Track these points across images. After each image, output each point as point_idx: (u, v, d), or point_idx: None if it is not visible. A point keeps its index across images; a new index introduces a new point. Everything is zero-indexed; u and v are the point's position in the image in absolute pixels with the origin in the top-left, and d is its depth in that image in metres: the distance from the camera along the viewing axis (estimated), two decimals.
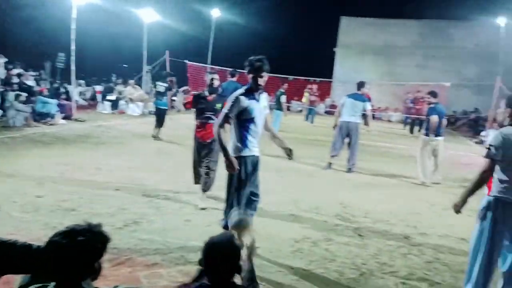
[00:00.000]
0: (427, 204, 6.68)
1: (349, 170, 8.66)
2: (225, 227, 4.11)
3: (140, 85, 18.10)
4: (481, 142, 15.26)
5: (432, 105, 8.23)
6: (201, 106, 5.74)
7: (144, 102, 16.97)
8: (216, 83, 5.77)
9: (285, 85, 14.89)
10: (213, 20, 22.05)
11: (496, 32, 20.24)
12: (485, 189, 3.56)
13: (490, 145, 3.38)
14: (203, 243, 2.23)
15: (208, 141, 5.66)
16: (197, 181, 5.88)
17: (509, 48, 20.72)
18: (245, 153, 4.02)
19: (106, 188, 6.09)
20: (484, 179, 3.45)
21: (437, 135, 8.09)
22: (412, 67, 25.50)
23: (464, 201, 3.55)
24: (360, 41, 26.43)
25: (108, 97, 16.81)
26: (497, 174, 3.35)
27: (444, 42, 25.07)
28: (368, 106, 8.77)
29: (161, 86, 11.54)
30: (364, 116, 8.93)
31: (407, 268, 4.22)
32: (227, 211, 4.11)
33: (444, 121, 8.32)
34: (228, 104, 4.01)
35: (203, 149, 5.73)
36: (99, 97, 17.32)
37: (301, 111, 22.55)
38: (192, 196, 6.02)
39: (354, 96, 8.71)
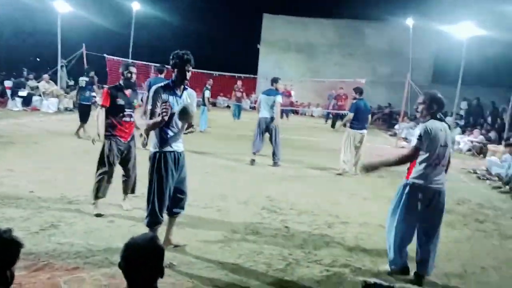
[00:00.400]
0: (347, 195, 7.01)
1: (275, 164, 8.84)
2: (149, 225, 4.00)
3: (55, 80, 16.99)
4: (394, 135, 16.42)
5: (354, 101, 8.77)
6: (120, 103, 5.09)
7: (59, 98, 15.97)
8: (134, 76, 5.27)
9: (210, 81, 14.80)
10: (133, 13, 21.26)
11: (406, 32, 21.73)
12: (403, 175, 4.11)
13: (420, 135, 3.84)
14: (124, 245, 2.07)
15: (128, 139, 5.32)
16: (101, 191, 5.11)
17: (417, 48, 22.35)
18: (166, 149, 3.93)
19: (19, 191, 5.65)
20: (405, 162, 3.99)
21: (361, 128, 8.55)
22: (331, 64, 26.60)
23: (376, 167, 4.15)
24: (282, 38, 27.02)
25: (20, 93, 15.59)
26: (418, 162, 3.90)
27: (360, 41, 26.45)
28: (278, 99, 8.70)
29: (83, 81, 10.99)
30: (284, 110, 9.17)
31: (331, 256, 4.41)
32: (148, 209, 4.00)
33: (369, 116, 8.91)
34: (150, 100, 3.87)
35: (124, 149, 5.28)
36: (9, 93, 15.98)
37: (228, 107, 22.58)
38: (115, 197, 5.78)
39: (267, 92, 8.90)
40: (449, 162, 4.07)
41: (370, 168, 4.13)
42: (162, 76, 9.58)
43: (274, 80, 8.95)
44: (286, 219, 5.47)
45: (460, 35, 15.86)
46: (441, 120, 3.96)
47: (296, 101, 25.50)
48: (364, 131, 8.64)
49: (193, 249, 4.27)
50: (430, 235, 3.96)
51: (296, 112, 24.47)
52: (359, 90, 8.95)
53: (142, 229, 4.61)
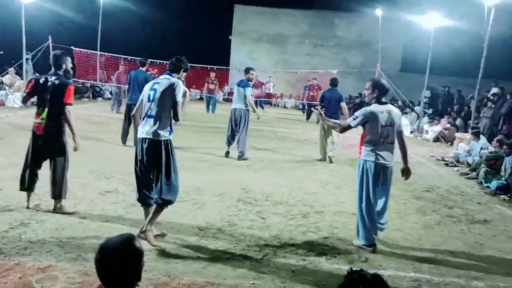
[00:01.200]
0: (321, 184, 7.10)
1: (239, 158, 8.56)
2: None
3: (20, 73, 16.42)
4: None
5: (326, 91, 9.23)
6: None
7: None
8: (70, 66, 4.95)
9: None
10: (100, 4, 20.71)
11: (375, 23, 22.03)
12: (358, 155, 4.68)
13: (356, 116, 4.50)
14: (98, 245, 1.93)
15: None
16: (29, 187, 4.86)
17: (387, 38, 22.71)
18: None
19: None
20: (337, 130, 5.05)
21: (328, 116, 8.62)
22: (302, 55, 26.71)
23: (324, 122, 5.33)
24: (254, 29, 26.93)
25: None
26: (365, 142, 4.51)
27: (331, 32, 26.64)
28: (247, 91, 8.54)
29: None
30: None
31: (307, 245, 4.46)
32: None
33: (343, 104, 9.12)
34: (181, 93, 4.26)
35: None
36: None
37: (201, 99, 22.40)
38: (87, 191, 5.68)
39: (239, 83, 8.77)
40: (402, 140, 4.66)
41: (321, 120, 5.30)
42: (144, 69, 9.42)
43: (246, 71, 8.90)
44: (262, 210, 5.50)
45: (428, 25, 16.22)
46: (384, 103, 4.54)
47: (275, 94, 25.49)
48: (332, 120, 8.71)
49: (169, 243, 4.24)
50: (383, 201, 4.58)
51: (269, 104, 24.52)
52: (331, 81, 9.30)
53: (115, 225, 4.58)
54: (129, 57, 18.65)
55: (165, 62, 19.93)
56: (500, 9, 11.85)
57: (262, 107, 20.22)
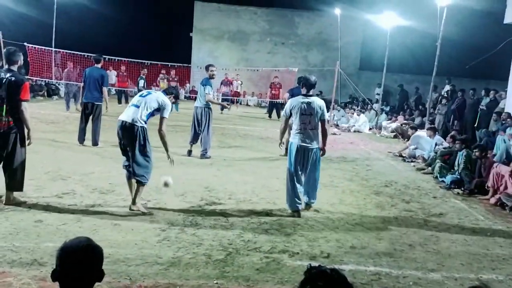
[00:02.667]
0: (284, 181, 7.12)
1: (202, 156, 8.49)
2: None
3: None
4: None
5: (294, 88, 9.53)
6: None
7: None
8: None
9: (145, 71, 14.39)
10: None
11: (334, 21, 22.41)
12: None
13: (286, 110, 5.57)
14: (57, 250, 1.90)
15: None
16: None
17: (345, 36, 23.18)
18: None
19: None
20: (282, 128, 5.81)
21: None
22: (264, 53, 26.80)
23: (281, 140, 5.99)
24: (214, 26, 26.74)
25: None
26: (293, 127, 5.52)
27: (291, 30, 26.86)
28: (208, 89, 8.42)
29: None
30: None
31: (270, 243, 4.48)
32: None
33: None
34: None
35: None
36: None
37: None
38: (42, 193, 5.47)
39: (202, 81, 8.61)
40: (324, 128, 5.63)
41: (280, 143, 6.04)
42: (99, 66, 9.11)
43: (206, 68, 8.75)
44: (225, 208, 5.48)
45: (384, 24, 16.68)
46: (307, 95, 5.50)
47: (244, 91, 25.31)
48: None
49: (129, 244, 4.15)
50: (309, 178, 5.53)
51: (232, 102, 24.43)
52: (298, 79, 9.38)
53: (72, 228, 4.43)
54: (86, 54, 18.10)
55: (124, 59, 19.58)
56: (452, 10, 12.35)
57: (229, 107, 19.76)
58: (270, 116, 18.29)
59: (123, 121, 5.04)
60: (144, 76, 13.56)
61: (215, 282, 3.57)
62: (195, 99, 25.91)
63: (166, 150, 5.30)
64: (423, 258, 4.40)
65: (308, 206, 5.66)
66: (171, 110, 5.36)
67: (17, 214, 4.71)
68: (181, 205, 5.50)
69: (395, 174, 8.63)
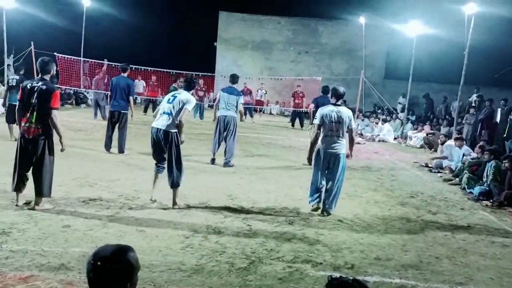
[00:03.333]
0: (306, 191, 7.08)
1: (225, 165, 8.48)
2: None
3: (1, 80, 16.14)
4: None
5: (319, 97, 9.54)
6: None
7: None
8: None
9: (178, 80, 14.72)
10: (84, 10, 20.52)
11: (359, 30, 22.30)
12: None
13: (315, 118, 5.97)
14: (89, 256, 1.87)
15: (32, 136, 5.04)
16: (18, 187, 5.12)
17: (370, 45, 23.01)
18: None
19: None
20: (315, 138, 6.16)
21: None
22: (287, 62, 26.85)
23: (310, 155, 6.46)
24: (238, 36, 26.99)
25: None
26: (321, 134, 5.87)
27: (315, 39, 26.86)
28: (241, 99, 8.65)
29: (13, 79, 9.90)
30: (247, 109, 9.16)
31: (293, 252, 4.45)
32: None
33: None
34: None
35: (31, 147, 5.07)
36: None
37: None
38: (70, 199, 5.59)
39: (228, 90, 8.63)
40: (351, 136, 6.01)
41: (310, 158, 6.54)
42: (125, 75, 9.24)
43: (235, 78, 8.81)
44: (248, 217, 5.48)
45: (410, 33, 16.49)
46: (336, 104, 5.89)
47: (268, 100, 25.35)
48: None
49: (154, 251, 4.20)
50: (332, 182, 5.79)
51: (255, 110, 24.52)
52: (322, 89, 9.57)
53: (98, 234, 4.51)
54: (113, 64, 18.52)
55: (151, 68, 19.93)
56: (479, 17, 12.13)
57: (252, 116, 19.81)
58: (293, 125, 18.23)
59: (158, 129, 5.56)
60: (177, 86, 13.85)
61: None
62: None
63: (181, 133, 5.62)
64: (451, 271, 4.29)
65: (325, 212, 5.83)
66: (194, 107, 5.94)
67: (45, 219, 4.83)
68: (204, 213, 5.54)
69: (421, 184, 8.47)
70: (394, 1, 23.24)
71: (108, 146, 9.01)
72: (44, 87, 4.96)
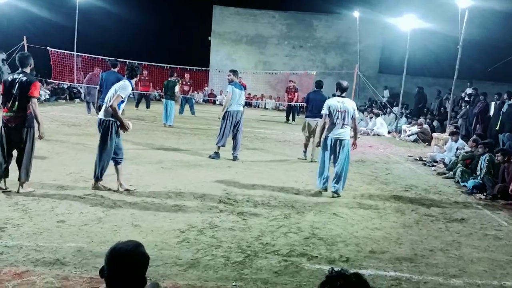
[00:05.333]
0: (302, 185, 7.13)
1: (235, 158, 8.68)
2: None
3: None
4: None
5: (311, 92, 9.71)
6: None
7: None
8: None
9: (175, 75, 14.67)
10: (76, 3, 20.33)
11: (353, 24, 22.30)
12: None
13: (323, 108, 6.65)
14: (108, 250, 2.03)
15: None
16: (4, 173, 5.44)
17: (364, 39, 23.03)
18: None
19: None
20: (323, 126, 6.72)
21: (314, 116, 8.96)
22: (282, 56, 26.83)
23: (320, 138, 6.80)
24: (232, 30, 26.91)
25: None
26: (330, 123, 6.53)
27: (309, 33, 26.83)
28: (244, 94, 9.12)
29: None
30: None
31: (288, 246, 4.47)
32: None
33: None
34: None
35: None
36: None
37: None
38: (65, 194, 5.57)
39: (238, 86, 8.79)
40: (355, 124, 6.74)
41: (320, 142, 6.75)
42: (116, 70, 9.34)
43: (234, 73, 8.88)
44: (243, 211, 5.49)
45: (404, 27, 16.51)
46: (341, 96, 6.63)
47: (262, 95, 25.49)
48: (317, 119, 8.68)
49: (149, 245, 4.18)
50: (340, 166, 6.48)
51: (249, 105, 24.51)
52: (316, 83, 9.65)
53: (94, 229, 4.50)
54: (106, 58, 18.39)
55: (143, 63, 19.82)
56: (473, 11, 12.16)
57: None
58: (287, 120, 18.24)
59: (98, 119, 5.90)
60: (171, 80, 13.82)
61: (233, 284, 3.58)
62: (213, 102, 26.17)
63: (118, 119, 5.75)
64: (445, 264, 4.33)
65: (334, 194, 6.48)
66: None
67: (40, 214, 4.81)
68: (200, 207, 5.54)
69: (415, 178, 8.52)
70: None
71: None
72: (24, 78, 5.32)
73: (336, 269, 1.77)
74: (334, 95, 7.00)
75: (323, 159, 6.62)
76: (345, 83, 6.70)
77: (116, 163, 5.91)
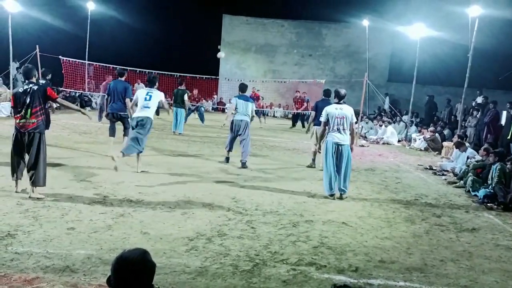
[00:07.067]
0: (311, 193, 7.11)
1: (243, 165, 8.85)
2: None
3: (7, 83, 16.23)
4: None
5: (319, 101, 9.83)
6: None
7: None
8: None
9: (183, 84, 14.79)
10: (88, 13, 20.62)
11: (362, 33, 22.28)
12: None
13: (321, 116, 7.04)
14: (114, 259, 2.05)
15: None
16: (16, 176, 5.77)
17: (374, 48, 22.99)
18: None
19: None
20: (322, 131, 7.12)
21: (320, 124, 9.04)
22: (291, 65, 26.90)
23: (319, 143, 7.73)
24: (242, 39, 27.07)
25: None
26: (329, 129, 6.90)
27: (318, 42, 26.90)
28: (254, 106, 9.41)
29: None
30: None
31: (297, 255, 4.45)
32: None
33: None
34: None
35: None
36: None
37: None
38: (74, 202, 5.62)
39: (243, 98, 9.18)
40: (352, 129, 6.99)
41: (319, 147, 7.56)
42: (123, 79, 9.49)
43: (245, 87, 9.44)
44: (252, 219, 5.48)
45: (413, 35, 16.46)
46: (339, 103, 6.97)
47: (271, 103, 25.58)
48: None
49: (158, 253, 4.20)
50: (343, 169, 6.77)
51: (260, 113, 24.53)
52: (324, 92, 9.85)
53: (103, 236, 4.52)
54: (117, 67, 18.55)
55: (154, 71, 20.00)
56: (483, 20, 12.10)
57: (260, 118, 19.73)
58: (293, 126, 18.36)
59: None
60: (180, 88, 13.96)
61: None
62: (223, 110, 26.18)
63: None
64: (455, 275, 4.27)
65: (342, 194, 6.82)
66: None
67: (50, 221, 4.85)
68: (208, 215, 5.54)
69: (426, 187, 8.44)
70: (397, 4, 23.24)
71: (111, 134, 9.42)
72: (36, 87, 5.67)
73: (338, 284, 1.77)
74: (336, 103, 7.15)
75: (327, 165, 6.84)
76: (342, 91, 7.07)
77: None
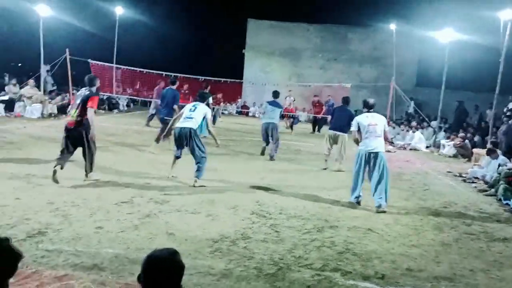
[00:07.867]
0: (336, 198, 7.03)
1: (271, 158, 10.21)
2: None
3: (38, 85, 16.72)
4: None
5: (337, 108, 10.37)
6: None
7: (43, 104, 15.71)
8: None
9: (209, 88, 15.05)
10: (116, 17, 21.06)
11: (389, 37, 22.03)
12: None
13: (354, 125, 6.85)
14: (145, 257, 2.08)
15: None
16: (61, 164, 6.49)
17: (401, 52, 22.67)
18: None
19: (4, 198, 5.53)
20: (356, 140, 6.86)
21: (333, 129, 9.76)
22: (316, 68, 26.77)
23: (358, 142, 6.85)
24: (267, 43, 27.11)
25: (1, 98, 15.29)
26: (362, 137, 6.69)
27: (344, 46, 26.69)
28: (281, 111, 10.70)
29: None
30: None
31: (321, 260, 4.40)
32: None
33: (346, 119, 9.47)
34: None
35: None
36: None
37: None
38: (102, 201, 5.72)
39: (273, 103, 10.40)
40: (386, 136, 6.85)
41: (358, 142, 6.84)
42: (174, 87, 10.59)
43: (277, 94, 10.73)
44: (276, 223, 5.46)
45: (442, 40, 16.15)
46: (368, 111, 6.90)
47: (296, 107, 25.46)
48: (337, 132, 9.65)
49: (183, 254, 4.21)
50: (376, 179, 6.48)
51: (282, 117, 24.44)
52: (343, 99, 10.21)
53: (130, 235, 4.59)
54: (145, 70, 18.91)
55: (179, 75, 20.25)
56: None
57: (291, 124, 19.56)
58: (313, 131, 18.43)
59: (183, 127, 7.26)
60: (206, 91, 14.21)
61: None
62: (246, 114, 26.36)
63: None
64: (486, 285, 4.14)
65: (379, 209, 6.37)
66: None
67: (80, 220, 4.96)
68: (232, 218, 5.55)
69: (455, 195, 8.24)
70: (425, 8, 22.88)
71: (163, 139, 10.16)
72: (87, 92, 6.63)
73: None
74: (361, 111, 7.27)
75: (356, 173, 6.69)
76: (371, 100, 7.01)
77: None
